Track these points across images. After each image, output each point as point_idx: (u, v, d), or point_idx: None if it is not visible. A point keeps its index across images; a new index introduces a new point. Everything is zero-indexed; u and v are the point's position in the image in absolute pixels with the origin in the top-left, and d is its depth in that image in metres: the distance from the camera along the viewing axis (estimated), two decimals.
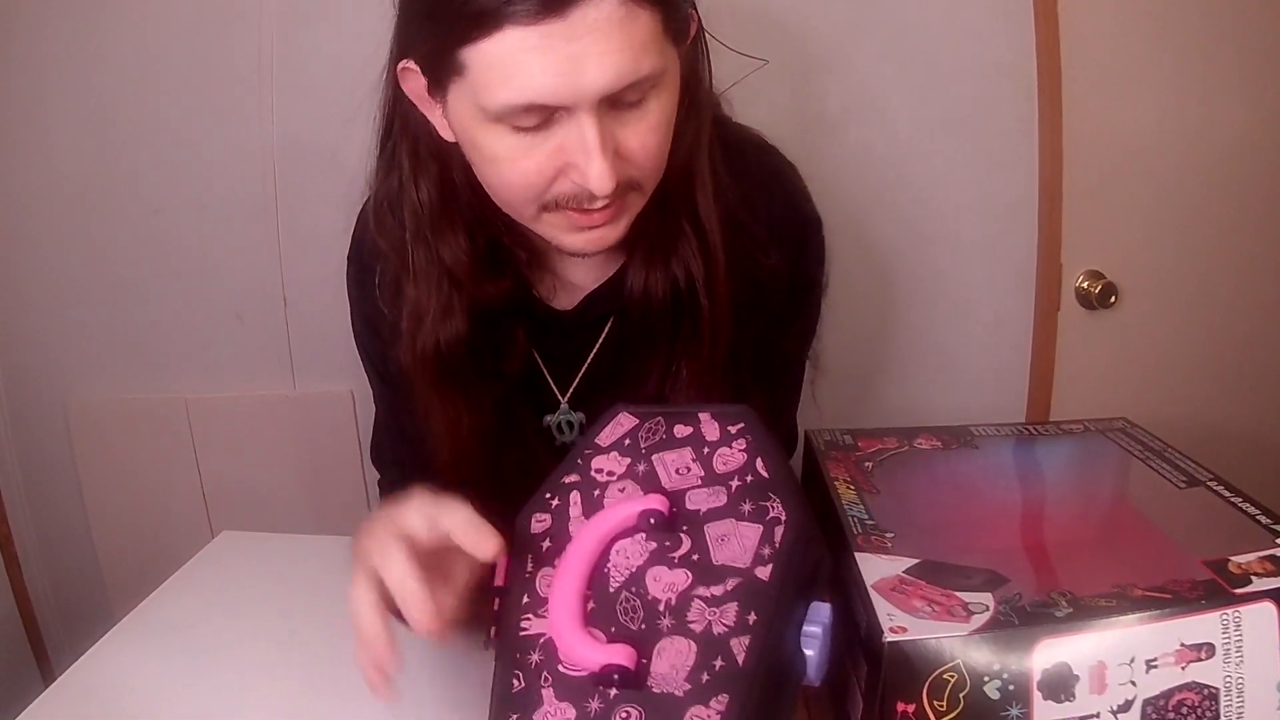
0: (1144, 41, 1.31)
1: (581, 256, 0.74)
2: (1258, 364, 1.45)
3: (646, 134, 0.65)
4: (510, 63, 0.59)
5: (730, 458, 0.59)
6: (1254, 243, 1.39)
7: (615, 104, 0.62)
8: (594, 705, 0.49)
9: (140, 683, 0.75)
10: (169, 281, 1.44)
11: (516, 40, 0.58)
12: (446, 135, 0.70)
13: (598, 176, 0.62)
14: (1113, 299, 1.38)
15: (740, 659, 0.49)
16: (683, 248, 0.75)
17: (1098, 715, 0.49)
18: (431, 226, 0.74)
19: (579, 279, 0.80)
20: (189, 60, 1.35)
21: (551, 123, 0.62)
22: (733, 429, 0.61)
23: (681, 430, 0.61)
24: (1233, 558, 0.54)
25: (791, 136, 1.34)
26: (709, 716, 0.47)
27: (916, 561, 0.58)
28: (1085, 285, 1.39)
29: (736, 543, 0.54)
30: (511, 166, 0.65)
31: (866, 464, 0.74)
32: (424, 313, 0.74)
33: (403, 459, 0.88)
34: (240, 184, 1.39)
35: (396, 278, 0.76)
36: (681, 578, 0.53)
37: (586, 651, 0.51)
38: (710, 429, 0.61)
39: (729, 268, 0.76)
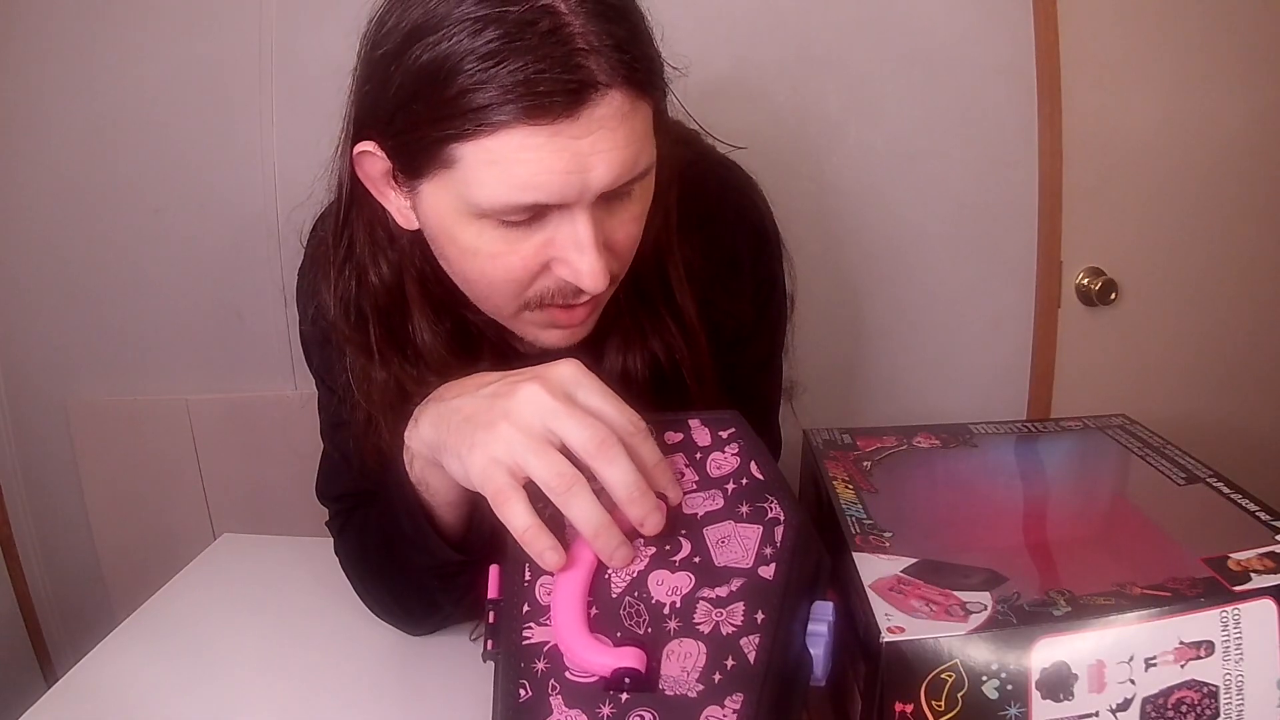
0: (1143, 39, 1.31)
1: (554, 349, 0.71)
2: (1258, 360, 1.45)
3: (630, 224, 0.63)
4: (513, 160, 0.55)
5: (724, 462, 0.59)
6: (1254, 239, 1.39)
7: (606, 197, 0.60)
8: (605, 711, 0.48)
9: (142, 684, 0.76)
10: (169, 281, 1.45)
11: (522, 138, 0.54)
12: (406, 224, 0.65)
13: (590, 273, 0.59)
14: (1113, 296, 1.38)
15: (752, 657, 0.49)
16: (661, 331, 0.73)
17: (1096, 714, 0.49)
18: (397, 311, 0.70)
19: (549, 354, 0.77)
20: (189, 60, 1.36)
21: (542, 218, 0.59)
22: (724, 434, 0.61)
23: (672, 437, 0.61)
24: (1232, 555, 0.53)
25: (791, 136, 1.35)
26: (724, 716, 0.47)
27: (914, 561, 0.58)
28: (1085, 282, 1.39)
29: (737, 544, 0.54)
30: (494, 261, 0.61)
31: (865, 463, 0.74)
32: (405, 389, 0.70)
33: (360, 490, 0.81)
34: (240, 184, 1.39)
35: (365, 365, 0.72)
36: (684, 580, 0.53)
37: (594, 657, 0.50)
38: (701, 434, 0.61)
39: (707, 335, 0.74)
